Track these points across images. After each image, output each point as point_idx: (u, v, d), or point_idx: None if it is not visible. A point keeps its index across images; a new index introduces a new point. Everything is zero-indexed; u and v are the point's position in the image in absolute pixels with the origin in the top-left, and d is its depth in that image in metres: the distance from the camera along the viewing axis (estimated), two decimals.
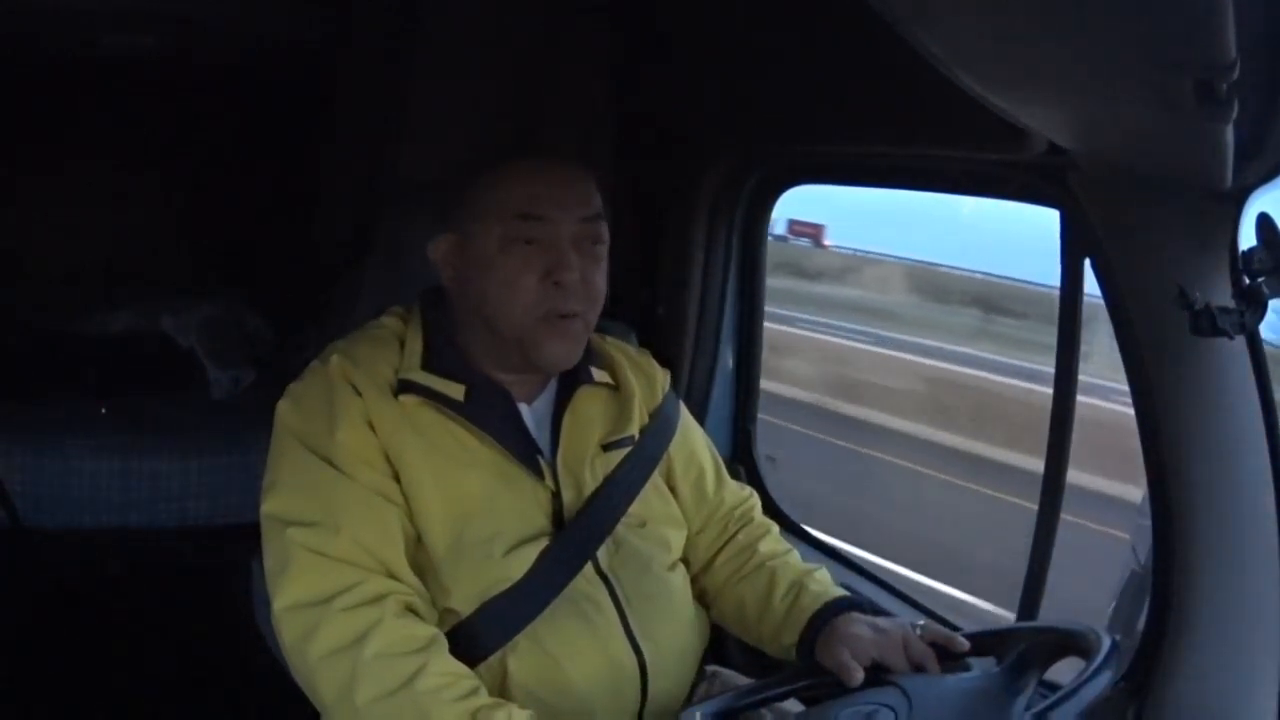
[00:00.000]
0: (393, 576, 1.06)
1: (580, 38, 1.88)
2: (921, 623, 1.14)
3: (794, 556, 1.30)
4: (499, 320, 1.13)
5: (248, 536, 1.16)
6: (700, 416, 1.74)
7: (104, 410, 2.27)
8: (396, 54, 2.01)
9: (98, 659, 1.94)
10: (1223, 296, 1.04)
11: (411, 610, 1.05)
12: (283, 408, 1.12)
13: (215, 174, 2.79)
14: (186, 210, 2.84)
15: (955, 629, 1.16)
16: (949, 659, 1.10)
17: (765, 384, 1.95)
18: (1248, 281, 1.03)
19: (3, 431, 2.05)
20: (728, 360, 1.90)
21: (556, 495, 1.16)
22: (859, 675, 1.06)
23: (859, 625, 1.13)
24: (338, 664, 1.00)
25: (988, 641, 1.11)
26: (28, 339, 2.52)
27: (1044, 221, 1.30)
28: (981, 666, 1.11)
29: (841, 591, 1.23)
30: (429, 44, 1.95)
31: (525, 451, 1.16)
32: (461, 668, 1.03)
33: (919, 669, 1.08)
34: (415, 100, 1.98)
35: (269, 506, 1.09)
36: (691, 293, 1.87)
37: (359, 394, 1.10)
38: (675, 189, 1.88)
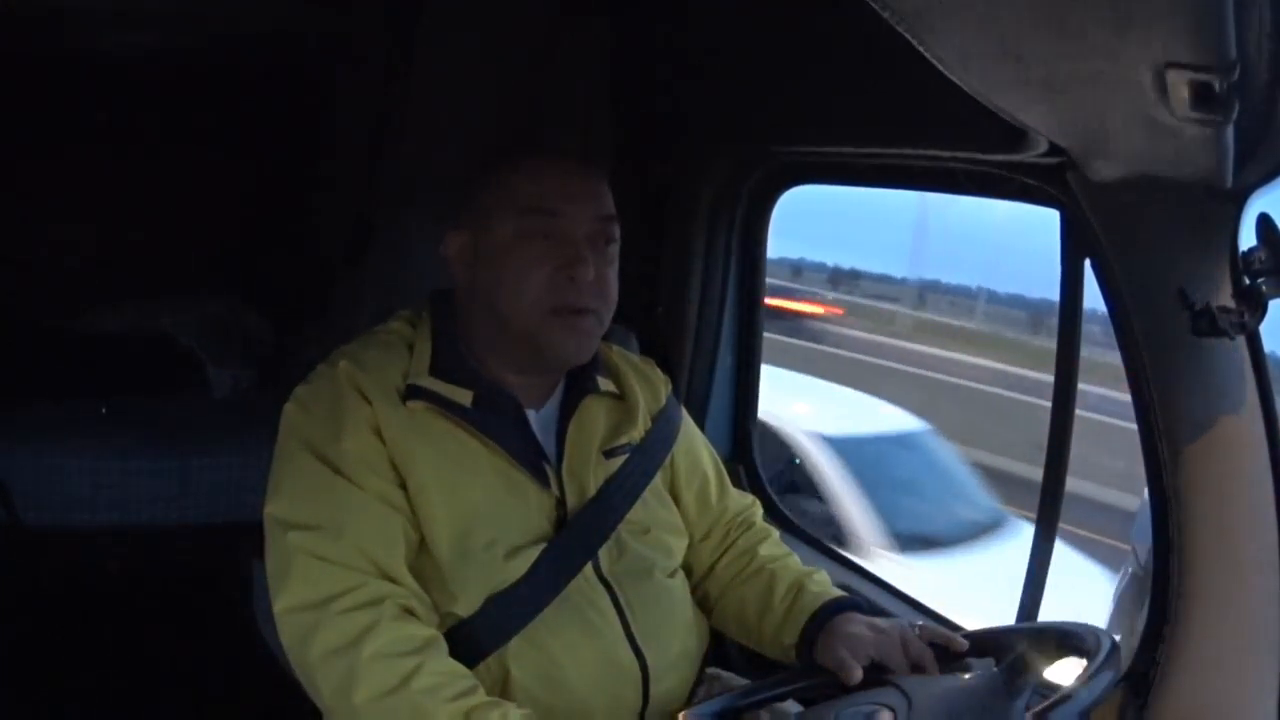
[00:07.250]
0: (392, 580, 1.06)
1: (580, 38, 1.88)
2: (920, 623, 1.15)
3: (794, 560, 1.31)
4: (509, 314, 1.13)
5: (248, 536, 1.15)
6: (700, 417, 1.75)
7: (104, 410, 2.26)
8: (397, 53, 2.01)
9: (97, 658, 1.94)
10: (1223, 296, 1.04)
11: (409, 613, 1.05)
12: (289, 411, 1.12)
13: (215, 173, 2.78)
14: (186, 210, 2.84)
15: (955, 629, 1.16)
16: (948, 659, 1.11)
17: None
18: (1248, 281, 1.03)
19: (3, 431, 2.05)
20: (728, 360, 1.90)
21: (561, 501, 1.17)
22: (858, 674, 1.06)
23: (857, 625, 1.13)
24: (336, 664, 1.01)
25: (987, 642, 1.11)
26: (27, 339, 2.52)
27: None
28: (980, 667, 1.11)
29: (840, 592, 1.24)
30: (429, 43, 1.95)
31: (532, 458, 1.16)
32: (459, 667, 1.04)
33: (917, 669, 1.08)
34: (415, 99, 1.98)
35: (272, 509, 1.09)
36: (691, 293, 1.87)
37: (367, 401, 1.10)
38: (675, 189, 1.88)
